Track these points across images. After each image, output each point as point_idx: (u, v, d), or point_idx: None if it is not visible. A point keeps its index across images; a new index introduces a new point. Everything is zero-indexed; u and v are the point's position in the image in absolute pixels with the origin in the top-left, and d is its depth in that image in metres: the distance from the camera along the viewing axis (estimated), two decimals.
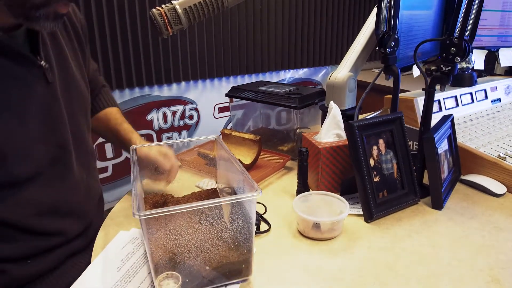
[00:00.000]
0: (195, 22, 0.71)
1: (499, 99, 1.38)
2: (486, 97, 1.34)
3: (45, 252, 0.79)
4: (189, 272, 0.62)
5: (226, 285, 0.65)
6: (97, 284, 0.66)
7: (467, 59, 1.30)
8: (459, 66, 1.30)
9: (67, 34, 0.85)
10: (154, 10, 0.70)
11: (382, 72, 0.99)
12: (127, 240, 0.78)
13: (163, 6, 0.70)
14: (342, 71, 1.08)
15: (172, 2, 0.70)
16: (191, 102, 2.23)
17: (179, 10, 0.69)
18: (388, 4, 0.91)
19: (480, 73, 1.61)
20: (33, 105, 0.72)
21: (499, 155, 1.00)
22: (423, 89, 0.88)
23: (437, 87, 0.89)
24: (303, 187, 0.91)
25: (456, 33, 0.81)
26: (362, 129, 0.84)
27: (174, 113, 2.17)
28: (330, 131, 0.94)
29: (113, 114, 1.04)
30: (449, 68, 0.83)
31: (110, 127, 1.01)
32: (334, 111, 0.95)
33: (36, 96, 0.73)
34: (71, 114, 0.82)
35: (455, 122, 1.17)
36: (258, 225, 0.81)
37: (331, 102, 0.96)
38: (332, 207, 0.83)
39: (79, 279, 0.68)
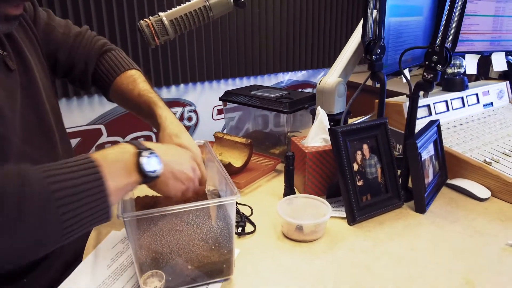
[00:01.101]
0: (182, 33, 0.74)
1: (491, 103, 1.40)
2: (478, 101, 1.36)
3: (42, 268, 0.79)
4: (172, 271, 0.65)
5: (208, 283, 0.68)
6: (87, 281, 0.69)
7: (458, 64, 1.31)
8: (450, 70, 1.32)
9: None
10: (142, 21, 0.73)
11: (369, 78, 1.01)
12: (117, 239, 0.81)
13: (150, 18, 0.73)
14: (332, 77, 1.10)
15: (159, 14, 0.73)
16: (190, 104, 2.27)
17: (166, 22, 0.72)
18: (374, 12, 0.93)
19: (477, 77, 1.62)
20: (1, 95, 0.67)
21: (485, 160, 1.01)
22: (407, 96, 0.91)
23: (421, 93, 0.91)
24: (289, 190, 0.94)
25: (438, 42, 0.83)
26: (345, 135, 0.86)
27: None
28: (317, 135, 0.97)
29: (123, 89, 0.90)
30: (432, 75, 0.85)
31: (128, 106, 0.91)
32: (321, 116, 0.97)
33: (1, 84, 0.69)
34: (34, 103, 0.77)
35: (445, 126, 1.19)
36: (243, 226, 0.84)
37: (319, 108, 0.99)
38: (316, 210, 0.85)
39: (69, 276, 0.71)
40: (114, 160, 0.57)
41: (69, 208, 0.50)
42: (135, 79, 0.89)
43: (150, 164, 0.58)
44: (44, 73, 0.84)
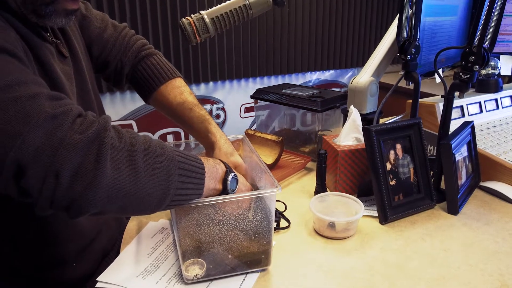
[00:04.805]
0: (222, 31, 0.76)
1: None
2: None
3: (88, 253, 0.84)
4: (213, 260, 0.68)
5: (247, 273, 0.70)
6: (130, 269, 0.72)
7: (492, 65, 1.29)
8: (484, 72, 1.30)
9: None
10: (183, 19, 0.75)
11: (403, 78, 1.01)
12: (156, 229, 0.85)
13: (192, 16, 0.76)
14: (364, 76, 1.11)
15: (201, 12, 0.75)
16: (219, 101, 2.30)
17: (207, 20, 0.74)
18: (409, 12, 0.93)
19: (510, 79, 1.59)
20: (58, 81, 0.71)
21: None
22: (442, 96, 0.90)
23: (456, 94, 0.90)
24: (321, 187, 0.95)
25: (475, 42, 0.82)
26: (379, 134, 0.87)
27: None
28: (350, 134, 0.98)
29: (170, 100, 0.91)
30: (468, 76, 0.85)
31: (175, 117, 0.93)
32: (354, 115, 0.98)
33: (61, 69, 0.73)
34: (82, 91, 0.81)
35: (479, 128, 1.18)
36: (278, 221, 0.86)
37: (351, 106, 0.99)
38: (348, 208, 0.86)
39: (112, 264, 0.74)
40: (212, 166, 0.67)
41: (183, 180, 0.60)
42: (182, 92, 0.92)
43: (232, 183, 0.69)
44: (89, 63, 0.88)
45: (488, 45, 0.84)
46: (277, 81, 2.49)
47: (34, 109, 0.52)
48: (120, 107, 1.98)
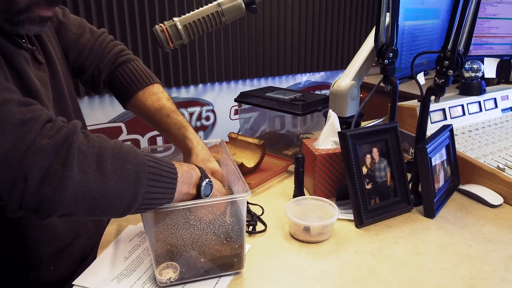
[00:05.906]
0: (195, 37, 0.77)
1: (511, 108, 1.37)
2: (496, 106, 1.34)
3: (65, 256, 0.85)
4: (186, 263, 0.69)
5: (220, 276, 0.71)
6: (105, 273, 0.73)
7: (475, 68, 1.30)
8: (467, 74, 1.31)
9: None
10: (157, 26, 0.76)
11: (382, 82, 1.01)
12: (134, 233, 0.86)
13: (165, 22, 0.76)
14: (345, 80, 1.11)
15: (174, 19, 0.76)
16: (208, 104, 2.31)
17: (180, 27, 0.75)
18: (387, 16, 0.94)
19: (499, 81, 1.59)
20: (33, 87, 0.71)
21: (498, 166, 1.00)
22: (418, 100, 0.91)
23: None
24: (298, 191, 0.96)
25: (449, 47, 0.83)
26: (355, 138, 0.87)
27: (191, 114, 2.26)
28: (328, 138, 0.98)
29: (147, 107, 0.92)
30: (443, 80, 0.86)
31: (153, 123, 0.94)
32: (332, 119, 0.98)
33: (36, 76, 0.73)
34: (58, 97, 0.81)
35: (461, 131, 1.18)
36: (254, 225, 0.87)
37: (330, 110, 1.00)
38: (324, 212, 0.87)
39: (90, 266, 0.75)
40: (186, 171, 0.68)
41: (153, 184, 0.61)
42: (160, 98, 0.92)
43: (207, 188, 0.70)
44: (66, 69, 0.89)
45: (463, 49, 0.85)
46: (267, 83, 2.49)
47: (4, 115, 0.53)
48: (110, 109, 1.98)
